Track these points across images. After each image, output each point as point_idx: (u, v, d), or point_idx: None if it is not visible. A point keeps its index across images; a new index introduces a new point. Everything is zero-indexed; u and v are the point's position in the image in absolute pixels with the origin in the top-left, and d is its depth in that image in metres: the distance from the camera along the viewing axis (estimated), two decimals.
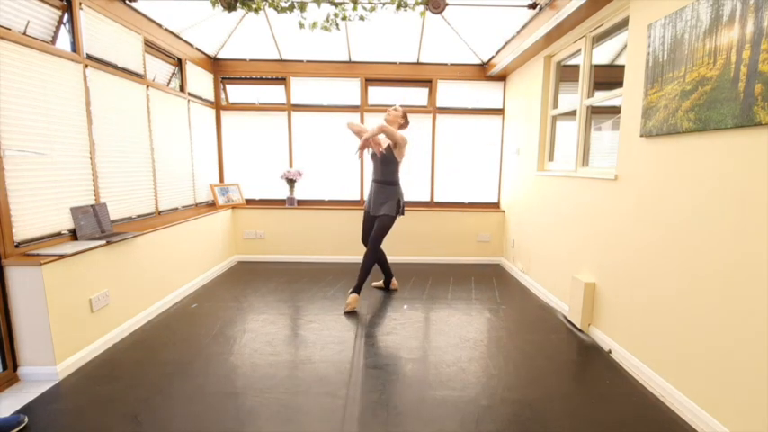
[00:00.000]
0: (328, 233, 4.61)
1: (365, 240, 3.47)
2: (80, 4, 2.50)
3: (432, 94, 4.62)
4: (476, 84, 4.61)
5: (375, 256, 3.30)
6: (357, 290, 3.24)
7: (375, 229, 3.30)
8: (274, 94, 4.65)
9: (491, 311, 3.17)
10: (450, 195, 4.83)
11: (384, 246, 4.63)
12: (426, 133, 4.69)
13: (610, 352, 2.46)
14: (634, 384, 2.13)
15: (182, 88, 3.84)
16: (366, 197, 3.50)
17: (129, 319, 2.72)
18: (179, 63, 3.78)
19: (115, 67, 2.86)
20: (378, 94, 4.67)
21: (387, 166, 3.29)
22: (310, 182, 4.71)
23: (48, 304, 2.06)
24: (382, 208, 3.28)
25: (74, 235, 2.45)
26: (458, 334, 2.74)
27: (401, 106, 3.36)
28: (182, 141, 3.82)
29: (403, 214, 3.42)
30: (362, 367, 2.28)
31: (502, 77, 4.57)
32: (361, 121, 4.60)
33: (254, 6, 2.73)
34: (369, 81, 4.59)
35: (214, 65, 4.48)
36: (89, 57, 2.60)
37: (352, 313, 3.09)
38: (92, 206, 2.58)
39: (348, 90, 4.59)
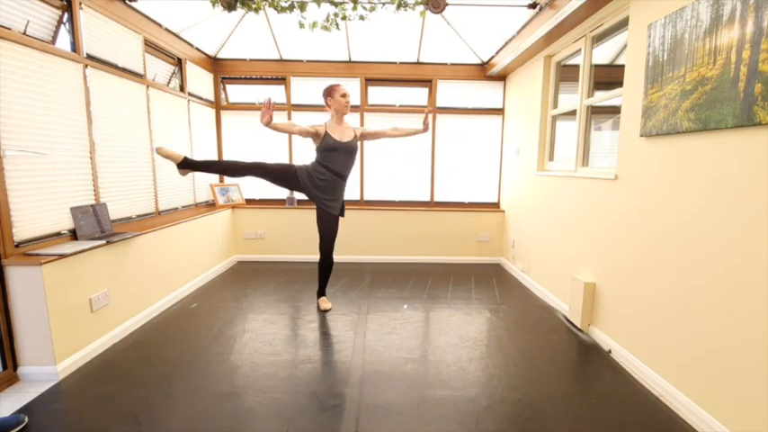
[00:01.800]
0: None
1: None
2: (80, 3, 2.50)
3: (432, 94, 4.62)
4: (476, 84, 4.61)
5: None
6: (322, 293, 3.24)
7: (333, 233, 3.04)
8: (274, 93, 4.65)
9: (491, 311, 3.17)
10: (451, 195, 4.82)
11: (385, 245, 4.66)
12: (426, 133, 4.67)
13: (610, 352, 2.46)
14: (634, 384, 2.13)
15: (182, 88, 3.84)
16: (328, 196, 2.96)
17: (129, 319, 2.72)
18: (179, 63, 3.78)
19: (115, 66, 2.86)
20: (378, 94, 4.66)
21: (353, 157, 2.98)
22: None
23: (48, 304, 2.06)
24: (341, 207, 3.05)
25: (74, 235, 2.45)
26: (458, 334, 2.74)
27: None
28: (182, 141, 3.82)
29: (343, 215, 3.13)
30: (362, 367, 2.28)
31: (502, 77, 4.57)
32: (361, 122, 4.60)
33: (254, 6, 2.73)
34: (369, 81, 4.58)
35: (214, 65, 4.48)
36: (89, 57, 2.60)
37: (352, 313, 3.09)
38: (92, 206, 2.58)
39: (348, 90, 4.57)
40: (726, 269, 1.68)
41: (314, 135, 2.91)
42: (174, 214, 3.62)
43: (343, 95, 2.95)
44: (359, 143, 3.05)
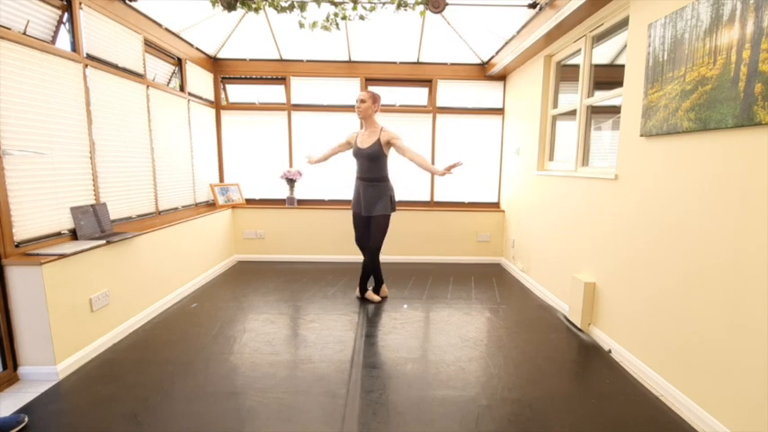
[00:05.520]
0: (328, 233, 4.61)
1: (361, 243, 3.34)
2: (80, 3, 2.50)
3: (432, 94, 4.62)
4: (476, 83, 4.61)
5: (377, 261, 3.25)
6: (379, 287, 3.41)
7: (373, 232, 3.16)
8: (274, 93, 4.65)
9: (491, 311, 3.17)
10: (450, 195, 4.82)
11: (385, 245, 4.64)
12: (426, 133, 4.69)
13: (610, 352, 2.46)
14: (634, 384, 2.13)
15: (182, 88, 3.84)
16: (353, 197, 3.28)
17: (129, 318, 2.72)
18: (179, 63, 3.78)
19: (115, 66, 2.86)
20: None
21: (375, 161, 3.08)
22: (310, 182, 4.71)
23: (48, 304, 2.06)
24: (376, 207, 3.11)
25: (74, 235, 2.45)
26: (458, 333, 2.74)
27: (366, 92, 3.09)
28: (182, 141, 3.82)
29: (395, 210, 3.24)
30: (362, 367, 2.28)
31: (502, 77, 4.57)
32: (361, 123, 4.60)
33: (254, 6, 2.73)
34: (369, 81, 4.58)
35: (214, 65, 4.48)
36: (89, 56, 2.60)
37: (352, 313, 3.09)
38: (92, 206, 2.58)
39: (348, 90, 4.59)
40: (726, 269, 1.68)
41: (348, 146, 3.27)
42: (174, 214, 3.62)
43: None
44: (381, 147, 3.05)
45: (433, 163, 4.71)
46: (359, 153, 3.13)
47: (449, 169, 2.84)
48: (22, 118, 2.13)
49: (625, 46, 2.43)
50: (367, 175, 3.14)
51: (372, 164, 3.10)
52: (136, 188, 3.10)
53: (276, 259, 4.66)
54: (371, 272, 3.30)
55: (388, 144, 3.07)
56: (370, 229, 3.22)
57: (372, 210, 3.13)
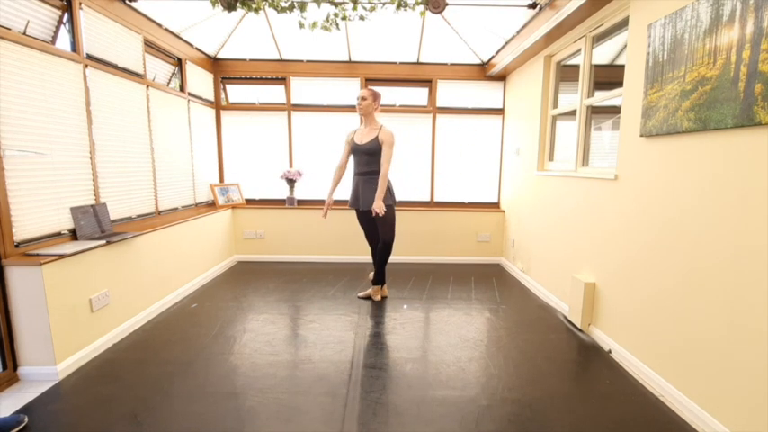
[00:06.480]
0: (328, 233, 4.61)
1: (370, 240, 3.42)
2: (80, 3, 2.50)
3: (432, 94, 4.62)
4: (476, 84, 4.61)
5: (388, 254, 3.26)
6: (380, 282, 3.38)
7: (381, 227, 3.17)
8: (274, 94, 4.65)
9: (491, 311, 3.17)
10: (450, 195, 4.83)
11: None
12: (426, 133, 4.69)
13: (610, 352, 2.46)
14: (634, 384, 2.14)
15: (182, 88, 3.84)
16: (351, 194, 3.32)
17: (129, 318, 2.72)
18: (179, 63, 3.78)
19: (115, 67, 2.86)
20: None
21: (373, 155, 3.12)
22: (310, 182, 4.71)
23: (48, 304, 2.06)
24: (369, 201, 3.13)
25: (74, 235, 2.45)
26: (458, 334, 2.74)
27: (367, 90, 3.15)
28: (182, 141, 3.82)
29: (395, 203, 3.29)
30: (362, 367, 2.28)
31: (502, 77, 4.57)
32: (360, 121, 4.60)
33: (254, 6, 2.73)
34: (369, 81, 4.58)
35: (214, 65, 4.48)
36: (89, 57, 2.60)
37: (352, 313, 3.09)
38: (92, 206, 2.58)
39: (348, 90, 4.59)
40: (726, 269, 1.68)
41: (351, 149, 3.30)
42: (174, 214, 3.62)
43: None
44: (379, 145, 3.09)
45: (433, 163, 4.72)
46: (357, 149, 3.18)
47: (378, 209, 2.97)
48: (22, 118, 2.13)
49: (625, 46, 2.43)
50: (365, 168, 3.18)
51: (371, 158, 3.14)
52: (136, 188, 3.10)
53: (276, 259, 4.66)
54: (379, 266, 3.32)
55: (380, 144, 3.11)
56: (374, 223, 3.25)
57: (372, 203, 3.12)
